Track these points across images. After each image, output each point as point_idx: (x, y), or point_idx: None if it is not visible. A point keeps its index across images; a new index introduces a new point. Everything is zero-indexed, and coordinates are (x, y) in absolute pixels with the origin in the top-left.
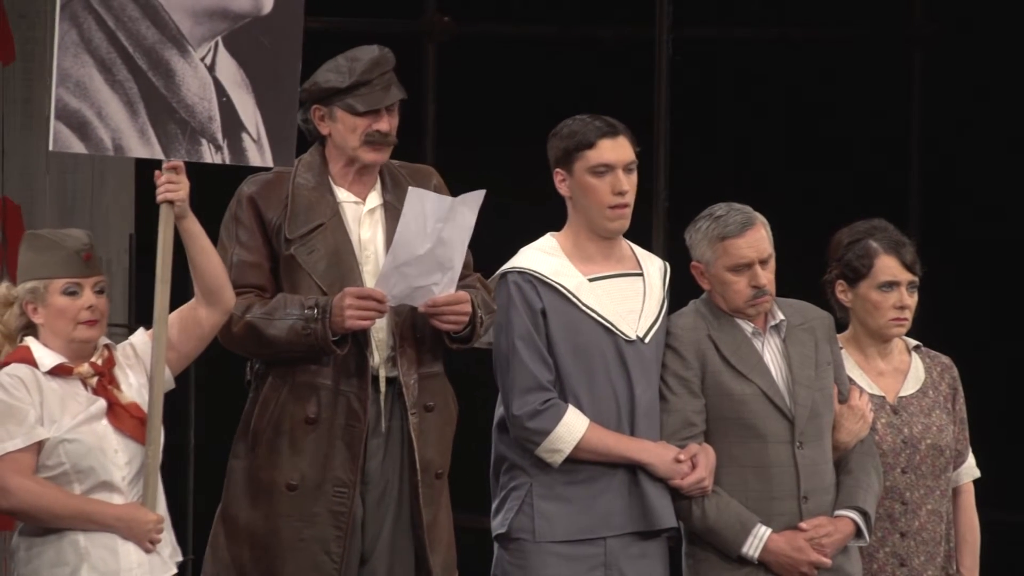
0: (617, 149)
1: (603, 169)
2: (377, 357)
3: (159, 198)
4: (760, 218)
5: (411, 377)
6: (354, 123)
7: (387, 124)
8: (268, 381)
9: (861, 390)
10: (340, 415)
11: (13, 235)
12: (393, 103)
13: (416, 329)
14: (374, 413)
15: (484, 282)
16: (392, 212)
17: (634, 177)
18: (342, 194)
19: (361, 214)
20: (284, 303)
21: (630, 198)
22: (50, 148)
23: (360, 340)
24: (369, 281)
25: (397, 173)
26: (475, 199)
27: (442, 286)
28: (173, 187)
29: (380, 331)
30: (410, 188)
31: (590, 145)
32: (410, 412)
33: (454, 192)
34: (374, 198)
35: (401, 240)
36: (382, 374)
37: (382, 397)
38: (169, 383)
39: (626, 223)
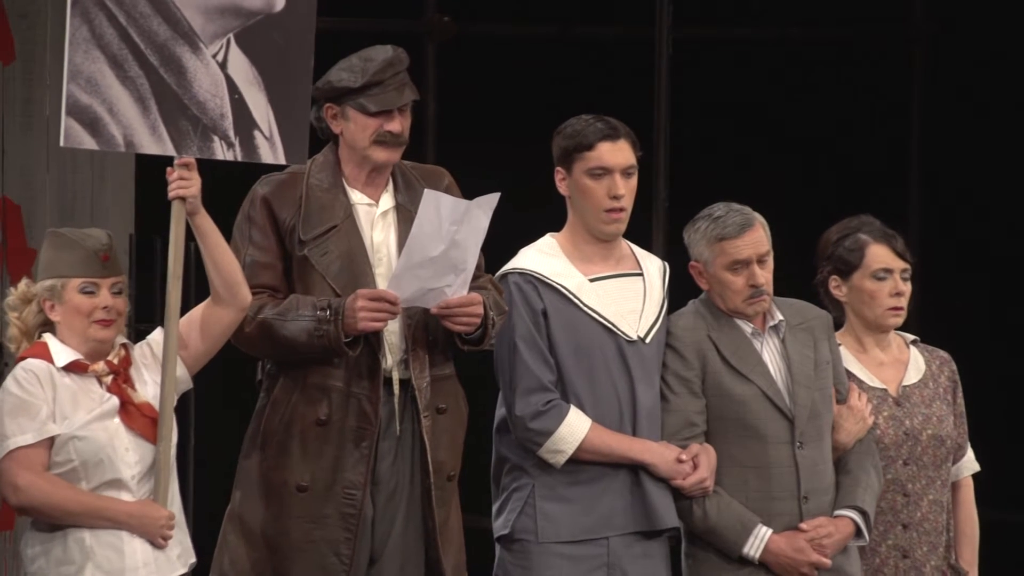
0: (616, 153)
1: (600, 172)
2: (390, 359)
3: (171, 195)
4: (759, 218)
5: (424, 379)
6: (366, 123)
7: (399, 125)
8: (280, 382)
9: (860, 391)
10: (351, 417)
11: (13, 235)
12: (405, 104)
13: (428, 331)
14: (386, 415)
15: (496, 284)
16: (404, 214)
17: (633, 182)
18: (355, 196)
19: (374, 216)
20: (296, 304)
21: (626, 203)
22: (61, 144)
23: (372, 342)
24: (381, 283)
25: (410, 174)
26: (490, 202)
27: (455, 288)
28: (185, 183)
29: (392, 334)
30: (425, 190)
31: (589, 147)
32: (423, 415)
33: (462, 192)
34: (387, 200)
35: (415, 242)
36: (395, 376)
37: (395, 399)
38: (186, 382)
39: (621, 227)
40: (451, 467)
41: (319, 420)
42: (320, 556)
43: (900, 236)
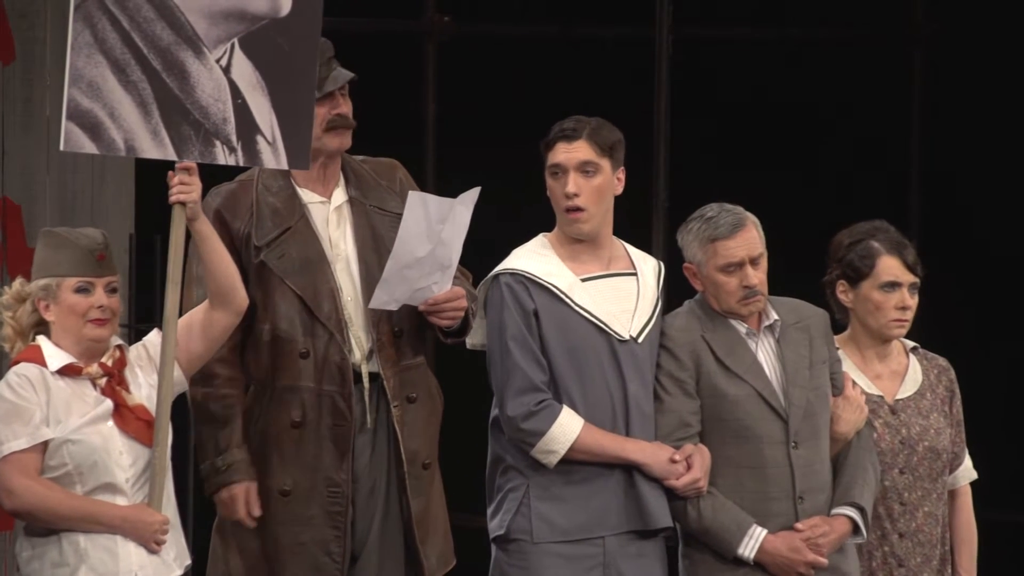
0: (570, 151)
1: (556, 171)
2: (357, 354)
3: (172, 199)
4: (751, 218)
5: (391, 370)
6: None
7: (344, 107)
8: (250, 391)
9: (854, 383)
10: (326, 416)
11: (13, 235)
12: (344, 86)
13: (393, 323)
14: (359, 411)
15: (463, 271)
16: (359, 208)
17: (595, 180)
18: (307, 195)
19: (328, 212)
20: (219, 436)
21: (584, 202)
22: (61, 148)
23: (339, 339)
24: (342, 278)
25: (359, 168)
26: (471, 197)
27: (441, 284)
28: (186, 188)
29: (358, 328)
30: (411, 192)
31: (548, 146)
32: (392, 405)
33: (451, 191)
34: (339, 195)
35: (402, 244)
36: (364, 370)
37: (365, 393)
38: (181, 384)
39: (583, 227)
40: (426, 455)
41: (294, 422)
42: (312, 557)
43: (912, 245)
